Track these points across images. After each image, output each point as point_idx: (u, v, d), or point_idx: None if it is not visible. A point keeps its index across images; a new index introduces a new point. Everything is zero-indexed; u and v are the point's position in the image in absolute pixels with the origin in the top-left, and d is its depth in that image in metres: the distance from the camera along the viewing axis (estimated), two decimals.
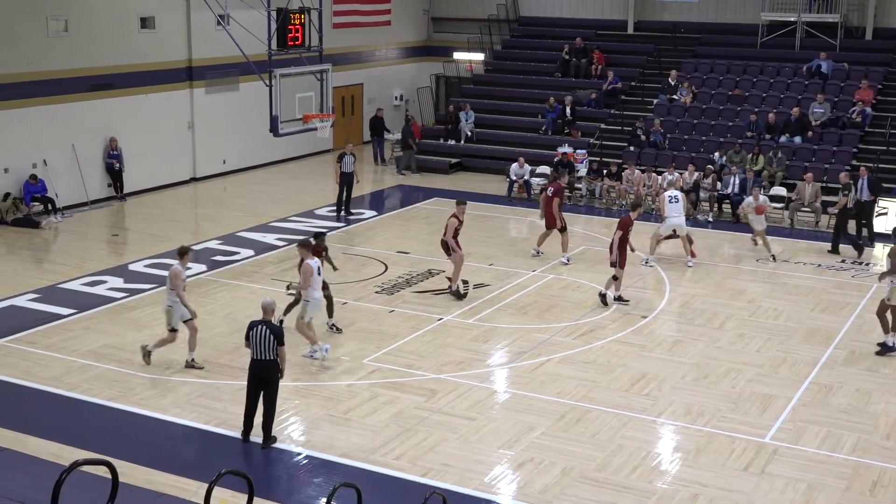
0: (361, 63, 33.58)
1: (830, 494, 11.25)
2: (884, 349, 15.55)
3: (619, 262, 17.61)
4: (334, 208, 24.14)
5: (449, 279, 18.18)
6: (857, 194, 22.50)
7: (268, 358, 11.94)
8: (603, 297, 17.63)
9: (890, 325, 15.60)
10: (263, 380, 12.02)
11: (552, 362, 15.09)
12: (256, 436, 12.28)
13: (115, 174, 25.26)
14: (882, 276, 15.93)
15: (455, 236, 17.89)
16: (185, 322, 14.55)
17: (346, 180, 23.77)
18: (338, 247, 20.91)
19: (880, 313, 15.69)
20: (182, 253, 14.75)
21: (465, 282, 18.57)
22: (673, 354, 15.52)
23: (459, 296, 17.81)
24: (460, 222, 17.97)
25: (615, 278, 17.64)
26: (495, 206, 25.11)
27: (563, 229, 20.27)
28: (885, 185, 23.00)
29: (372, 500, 9.97)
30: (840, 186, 22.22)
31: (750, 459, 12.06)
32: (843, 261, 20.83)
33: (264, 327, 11.95)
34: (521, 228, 23.52)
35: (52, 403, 13.53)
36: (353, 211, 24.27)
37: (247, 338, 12.09)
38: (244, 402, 12.32)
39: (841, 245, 21.50)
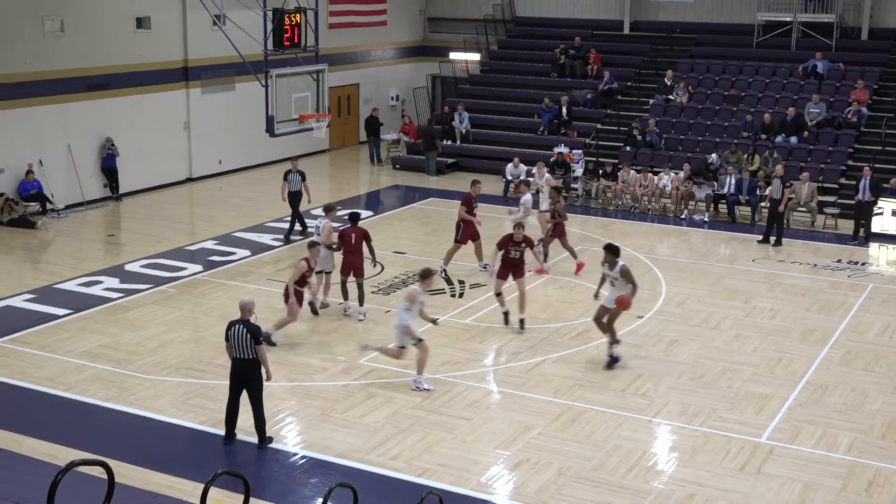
0: (357, 63, 33.58)
1: (826, 494, 11.26)
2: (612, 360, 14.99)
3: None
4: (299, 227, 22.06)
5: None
6: (858, 194, 22.60)
7: (247, 357, 11.94)
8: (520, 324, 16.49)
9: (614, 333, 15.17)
10: (244, 379, 12.01)
11: (548, 362, 15.09)
12: (246, 434, 12.24)
13: (111, 174, 25.23)
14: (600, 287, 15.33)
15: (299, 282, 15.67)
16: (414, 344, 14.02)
17: (293, 199, 21.71)
18: (333, 247, 20.86)
19: (598, 318, 15.10)
20: (424, 276, 14.21)
21: (461, 282, 18.64)
22: (669, 354, 15.52)
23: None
24: (310, 268, 15.76)
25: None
26: (491, 206, 25.09)
27: (463, 241, 19.19)
28: (883, 185, 23.03)
29: (368, 501, 9.97)
30: (779, 177, 22.27)
31: (746, 459, 12.07)
32: (838, 260, 20.87)
33: (241, 326, 11.94)
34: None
35: (48, 404, 13.51)
36: (295, 231, 21.97)
37: (226, 338, 12.08)
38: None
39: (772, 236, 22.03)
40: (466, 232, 19.28)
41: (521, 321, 16.44)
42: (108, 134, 25.11)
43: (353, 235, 16.87)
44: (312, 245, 15.89)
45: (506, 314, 16.59)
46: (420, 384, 13.94)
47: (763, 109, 27.56)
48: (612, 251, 14.91)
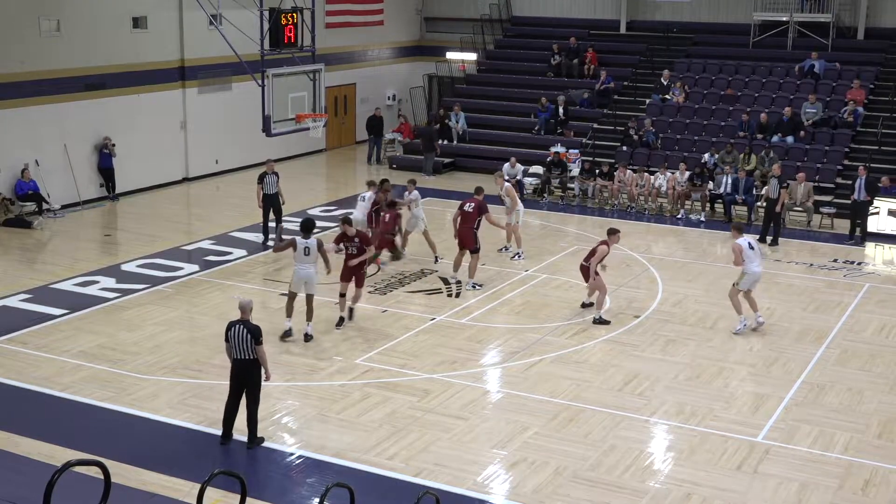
0: (354, 63, 33.58)
1: (823, 493, 11.27)
2: None
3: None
4: (270, 228, 21.59)
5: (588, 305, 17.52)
6: (854, 194, 22.63)
7: (247, 357, 11.93)
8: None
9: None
10: (245, 380, 12.00)
11: (545, 362, 15.09)
12: (243, 434, 12.22)
13: (107, 174, 25.20)
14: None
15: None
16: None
17: (269, 202, 21.23)
18: (331, 247, 20.86)
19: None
20: (739, 228, 17.02)
21: (458, 281, 18.68)
22: (665, 354, 15.53)
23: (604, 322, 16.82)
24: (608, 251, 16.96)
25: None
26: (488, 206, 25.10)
27: (475, 251, 18.60)
28: (879, 185, 23.07)
29: (365, 501, 9.97)
30: (776, 177, 22.29)
31: (742, 459, 12.08)
32: (834, 260, 20.90)
33: (241, 327, 11.93)
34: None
35: (44, 404, 13.49)
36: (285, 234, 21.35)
37: (226, 339, 12.07)
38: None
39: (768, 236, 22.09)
40: (464, 236, 18.58)
41: (350, 310, 16.55)
42: (105, 133, 25.09)
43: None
44: (612, 233, 17.26)
45: (342, 319, 16.47)
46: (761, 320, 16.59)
47: (759, 109, 27.58)
48: (303, 227, 15.79)
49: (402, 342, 15.82)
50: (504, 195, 20.68)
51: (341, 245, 16.45)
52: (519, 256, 20.44)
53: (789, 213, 23.69)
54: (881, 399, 13.93)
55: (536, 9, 35.01)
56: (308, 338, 15.75)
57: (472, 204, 18.75)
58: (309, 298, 15.78)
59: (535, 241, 22.03)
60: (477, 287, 18.51)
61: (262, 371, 12.06)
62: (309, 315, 15.82)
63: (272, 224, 21.48)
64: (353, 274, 16.44)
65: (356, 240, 16.40)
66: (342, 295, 16.56)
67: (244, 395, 12.09)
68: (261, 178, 21.23)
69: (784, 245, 21.92)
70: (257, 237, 21.88)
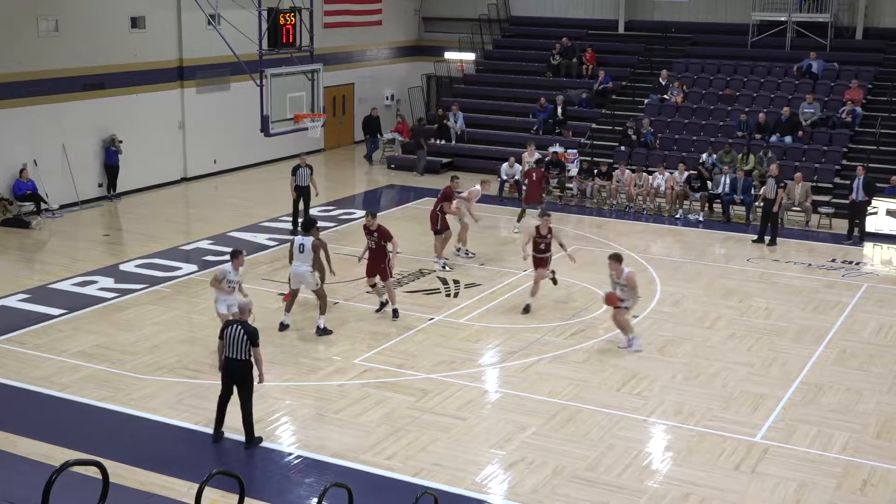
0: (352, 63, 33.57)
1: (821, 493, 11.28)
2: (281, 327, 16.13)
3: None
4: (291, 221, 22.59)
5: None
6: (852, 194, 22.64)
7: (241, 358, 11.91)
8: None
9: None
10: (236, 379, 11.99)
11: (543, 362, 15.09)
12: (239, 433, 12.21)
13: (112, 171, 25.17)
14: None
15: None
16: None
17: (301, 193, 22.27)
18: (330, 247, 20.86)
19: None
20: (619, 258, 15.72)
21: (456, 281, 18.68)
22: (664, 354, 15.54)
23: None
24: (540, 235, 17.47)
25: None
26: (486, 206, 25.09)
27: (437, 233, 19.58)
28: (877, 184, 23.08)
29: (363, 500, 9.96)
30: (773, 177, 22.32)
31: (741, 458, 12.08)
32: (833, 260, 20.91)
33: (238, 327, 11.93)
34: (513, 228, 23.47)
35: (43, 404, 13.49)
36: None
37: (221, 336, 12.07)
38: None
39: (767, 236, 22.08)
40: (434, 220, 19.69)
41: (394, 310, 16.86)
42: (103, 134, 25.08)
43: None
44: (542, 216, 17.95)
45: (382, 304, 17.13)
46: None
47: (758, 109, 27.59)
48: (303, 225, 16.22)
49: (400, 342, 15.82)
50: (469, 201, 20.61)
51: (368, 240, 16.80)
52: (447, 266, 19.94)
53: (788, 213, 23.69)
54: (879, 399, 13.94)
55: (535, 9, 35.00)
56: (320, 331, 15.93)
57: (441, 191, 19.99)
58: (317, 294, 16.03)
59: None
60: (447, 265, 19.57)
61: (256, 373, 12.05)
62: (322, 309, 16.06)
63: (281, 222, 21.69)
64: (376, 269, 16.67)
65: (376, 234, 16.54)
66: (373, 286, 17.02)
67: (236, 394, 12.09)
68: (294, 171, 22.24)
69: (782, 245, 21.93)
70: (255, 237, 21.92)
